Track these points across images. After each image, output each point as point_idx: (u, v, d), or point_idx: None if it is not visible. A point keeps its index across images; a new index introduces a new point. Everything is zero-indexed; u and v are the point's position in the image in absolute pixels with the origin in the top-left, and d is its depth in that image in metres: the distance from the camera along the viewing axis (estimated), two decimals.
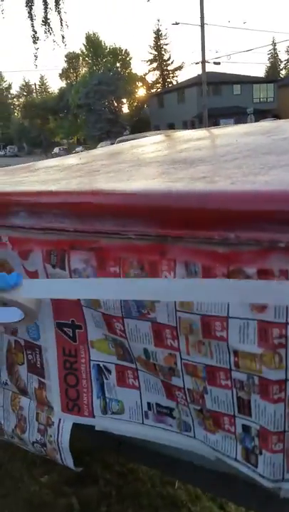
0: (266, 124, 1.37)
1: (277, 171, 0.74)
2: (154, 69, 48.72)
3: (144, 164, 1.02)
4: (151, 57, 48.34)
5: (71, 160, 1.34)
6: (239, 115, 27.08)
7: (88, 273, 0.80)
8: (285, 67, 61.75)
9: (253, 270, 0.64)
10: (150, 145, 1.31)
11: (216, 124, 23.02)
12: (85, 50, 44.83)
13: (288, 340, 0.63)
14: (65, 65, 48.10)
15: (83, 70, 46.26)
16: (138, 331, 0.78)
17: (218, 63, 25.52)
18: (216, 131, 1.43)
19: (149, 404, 0.87)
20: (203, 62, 21.36)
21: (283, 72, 60.25)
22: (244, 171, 0.78)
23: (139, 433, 0.89)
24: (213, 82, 29.41)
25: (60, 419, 0.98)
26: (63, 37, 12.78)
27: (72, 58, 47.04)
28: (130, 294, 0.71)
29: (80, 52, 45.76)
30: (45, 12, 11.84)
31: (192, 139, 1.27)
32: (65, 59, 47.40)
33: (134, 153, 1.27)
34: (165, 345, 0.76)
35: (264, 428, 0.70)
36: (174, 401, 0.83)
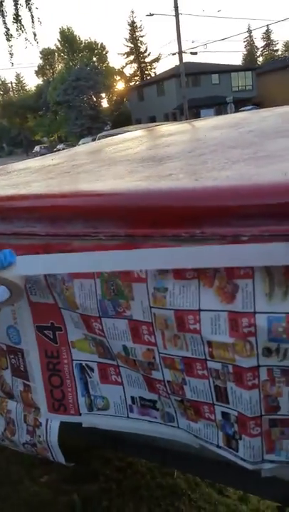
0: (237, 116, 1.38)
1: (239, 166, 0.76)
2: (132, 62, 48.36)
3: (113, 163, 1.03)
4: (127, 50, 47.96)
5: (43, 161, 1.34)
6: (219, 105, 27.10)
7: (62, 275, 0.81)
8: (261, 54, 61.88)
9: None
10: (122, 143, 1.31)
11: (196, 114, 23.01)
12: (60, 46, 44.23)
13: (257, 328, 0.65)
14: (41, 61, 47.42)
15: (59, 66, 45.64)
16: (116, 329, 0.80)
17: (195, 53, 25.45)
18: (187, 125, 1.44)
19: (132, 398, 0.90)
20: (180, 53, 21.28)
21: (260, 59, 60.38)
22: (208, 167, 0.80)
23: (125, 427, 0.92)
24: (192, 73, 29.32)
25: (47, 420, 1.00)
26: (35, 34, 12.42)
27: (47, 54, 46.34)
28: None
29: (55, 47, 45.17)
30: (16, 9, 11.50)
31: (164, 135, 1.29)
32: (41, 55, 46.71)
33: (105, 152, 1.28)
34: (143, 341, 0.78)
35: (242, 414, 0.73)
36: (156, 394, 0.86)
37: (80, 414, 0.96)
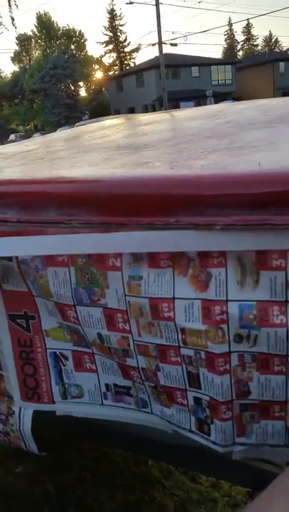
0: (214, 108, 1.39)
1: (215, 155, 0.76)
2: (111, 51, 47.70)
3: (89, 150, 1.01)
4: (106, 38, 47.24)
5: (17, 147, 1.31)
6: (199, 98, 27.14)
7: (36, 263, 0.80)
8: (242, 49, 62.20)
9: (194, 252, 0.67)
10: (98, 130, 1.29)
11: (176, 107, 22.97)
12: (37, 32, 43.05)
13: (229, 315, 0.67)
14: (17, 47, 46.09)
15: (36, 53, 44.50)
16: (90, 317, 0.80)
17: (175, 45, 25.35)
18: (166, 115, 1.44)
19: (107, 385, 0.91)
20: (160, 43, 21.14)
21: (240, 53, 60.68)
22: (184, 156, 0.80)
23: (99, 414, 0.93)
24: (172, 65, 29.20)
25: (20, 408, 0.99)
26: (13, 19, 12.12)
27: (24, 40, 45.05)
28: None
29: (31, 34, 43.94)
30: None
31: (141, 124, 1.28)
32: (17, 41, 45.39)
33: (80, 139, 1.26)
34: (117, 328, 0.78)
35: (213, 399, 0.75)
36: (130, 380, 0.86)
37: (54, 403, 0.97)
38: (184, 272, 0.70)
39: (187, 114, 1.34)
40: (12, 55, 46.52)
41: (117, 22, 46.56)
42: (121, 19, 47.08)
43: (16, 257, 0.82)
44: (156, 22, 20.64)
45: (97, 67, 45.91)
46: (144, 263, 0.72)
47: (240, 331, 0.68)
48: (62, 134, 1.52)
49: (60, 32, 42.76)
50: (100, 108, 37.41)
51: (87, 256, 0.76)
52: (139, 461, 1.75)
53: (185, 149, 0.85)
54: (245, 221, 0.62)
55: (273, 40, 61.93)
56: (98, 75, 45.66)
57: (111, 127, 1.33)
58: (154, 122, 1.31)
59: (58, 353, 0.92)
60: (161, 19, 20.60)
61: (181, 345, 0.74)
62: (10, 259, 0.83)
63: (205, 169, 0.68)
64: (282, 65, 32.38)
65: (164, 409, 0.84)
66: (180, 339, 0.73)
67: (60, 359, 0.93)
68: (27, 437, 1.02)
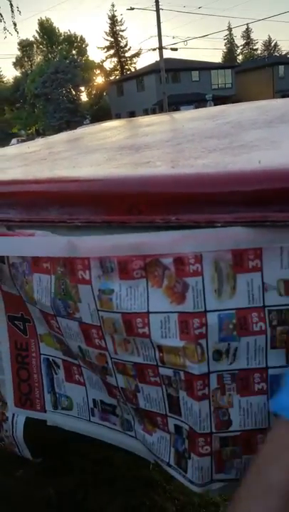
0: (214, 109, 1.39)
1: (216, 154, 0.76)
2: (112, 56, 47.97)
3: (91, 151, 1.02)
4: (107, 43, 47.52)
5: (19, 149, 1.32)
6: (199, 102, 27.23)
7: (24, 268, 0.78)
8: (241, 53, 62.46)
9: (169, 260, 0.63)
10: (100, 132, 1.30)
11: (176, 111, 23.05)
12: (38, 38, 43.36)
13: (208, 328, 0.63)
14: (19, 53, 46.37)
15: (38, 58, 44.78)
16: (70, 329, 0.76)
17: (176, 49, 25.45)
18: (166, 117, 1.44)
19: (94, 401, 0.87)
20: (161, 48, 21.24)
21: (240, 57, 60.90)
22: (185, 155, 0.80)
23: (86, 430, 0.89)
24: (172, 69, 29.34)
25: (13, 414, 0.97)
26: (15, 24, 12.16)
27: (25, 46, 45.33)
28: None
29: (33, 39, 44.23)
30: None
31: (142, 125, 1.28)
32: (19, 47, 45.67)
33: (82, 140, 1.27)
34: (94, 344, 0.74)
35: (192, 429, 0.69)
36: (114, 399, 0.82)
37: (46, 411, 0.94)
38: (158, 282, 0.65)
39: (188, 116, 1.35)
40: (14, 60, 46.85)
41: (118, 27, 46.86)
42: (122, 24, 47.37)
43: (8, 260, 0.80)
44: (156, 27, 20.76)
45: (98, 72, 46.15)
46: (114, 275, 0.67)
47: (219, 345, 0.64)
48: (64, 136, 1.53)
49: (61, 37, 43.06)
50: (101, 112, 37.55)
51: (64, 266, 0.71)
52: (140, 465, 1.74)
53: (186, 149, 0.85)
54: (246, 218, 0.62)
55: (273, 44, 62.21)
56: (99, 79, 45.90)
57: (112, 129, 1.34)
58: (155, 124, 1.32)
59: (50, 359, 0.90)
60: (161, 24, 20.71)
61: (159, 364, 0.68)
62: (3, 261, 0.81)
63: (206, 167, 0.68)
64: (281, 68, 32.52)
65: (145, 435, 0.78)
66: (158, 357, 0.68)
67: (53, 366, 0.90)
68: (20, 443, 1.00)
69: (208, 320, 0.62)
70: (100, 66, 46.84)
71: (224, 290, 0.62)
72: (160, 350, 0.67)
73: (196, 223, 0.65)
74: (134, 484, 1.65)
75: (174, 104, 26.29)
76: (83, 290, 0.69)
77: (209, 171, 0.65)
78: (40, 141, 1.62)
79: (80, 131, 1.58)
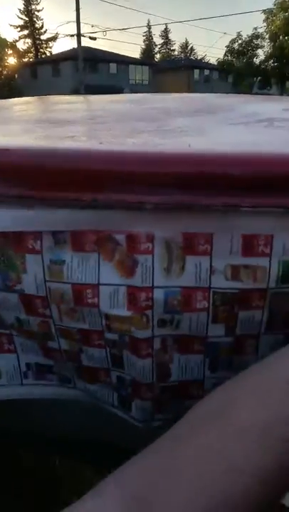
0: (136, 95, 1.37)
1: (145, 135, 0.74)
2: (25, 36, 45.55)
3: (5, 122, 0.92)
4: (21, 22, 44.96)
5: None
6: (116, 94, 27.24)
7: None
8: (159, 52, 63.96)
9: (121, 236, 0.64)
10: (15, 106, 1.19)
11: None
12: None
13: (154, 302, 0.66)
14: None
15: None
16: (8, 301, 0.73)
17: (94, 38, 25.10)
18: (86, 97, 1.38)
19: (28, 364, 0.86)
20: (79, 35, 20.74)
21: (158, 56, 62.32)
22: (113, 133, 0.76)
23: (18, 394, 0.87)
24: (90, 59, 28.90)
25: None
26: None
27: None
28: None
29: None
30: None
31: (61, 102, 1.20)
32: None
33: None
34: (37, 313, 0.73)
35: (135, 380, 0.75)
36: (52, 359, 0.83)
37: None
38: (109, 257, 0.66)
39: (108, 99, 1.30)
40: None
41: (33, 6, 44.55)
42: (38, 3, 45.12)
43: None
44: (75, 12, 20.17)
45: (10, 51, 43.42)
46: (67, 246, 0.67)
47: (163, 316, 0.67)
48: None
49: None
50: (12, 94, 35.48)
51: (3, 236, 0.68)
52: (45, 459, 1.68)
53: (113, 128, 0.81)
54: (176, 201, 0.60)
55: (189, 47, 64.82)
56: (11, 60, 43.22)
57: (28, 103, 1.23)
58: (76, 102, 1.25)
59: None
60: (80, 10, 20.19)
61: (106, 330, 0.71)
62: None
63: (136, 146, 0.65)
64: (196, 72, 34.07)
65: (87, 385, 0.82)
66: (104, 324, 0.70)
67: None
68: None
69: (155, 294, 0.65)
70: (13, 46, 44.08)
71: (173, 269, 0.64)
72: (107, 318, 0.69)
73: (125, 204, 0.61)
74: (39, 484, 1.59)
75: (90, 94, 25.96)
76: (32, 260, 0.68)
77: (141, 149, 0.62)
78: None
79: None
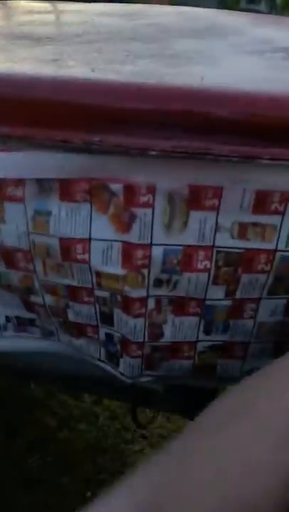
0: (125, 6, 1.17)
1: (145, 61, 0.61)
2: None
3: None
4: None
5: None
6: None
7: None
8: None
9: (118, 186, 0.57)
10: None
11: None
12: None
13: (152, 260, 0.61)
14: None
15: None
16: None
17: None
18: (67, 5, 1.16)
19: (7, 317, 0.83)
20: None
21: None
22: (106, 57, 0.63)
23: None
24: None
25: None
26: None
27: None
28: None
29: None
30: None
31: (34, 11, 1.01)
32: None
33: None
34: (18, 268, 0.68)
35: (125, 337, 0.72)
36: (35, 313, 0.79)
37: None
38: (103, 208, 0.59)
39: (94, 9, 1.11)
40: None
41: None
42: None
43: None
44: None
45: None
46: (54, 195, 0.59)
47: (161, 275, 0.63)
48: None
49: None
50: None
51: None
52: (22, 385, 1.72)
53: (104, 49, 0.67)
54: (185, 148, 0.51)
55: None
56: None
57: None
58: (52, 12, 1.05)
59: None
60: None
61: (96, 287, 0.67)
62: None
63: (138, 76, 0.53)
64: None
65: (72, 339, 0.79)
66: (94, 282, 0.66)
67: None
68: None
69: (153, 252, 0.61)
70: None
71: (174, 225, 0.59)
72: (98, 275, 0.65)
73: (124, 148, 0.52)
74: (17, 404, 1.64)
75: None
76: (12, 209, 0.61)
77: (145, 82, 0.50)
78: None
79: None
